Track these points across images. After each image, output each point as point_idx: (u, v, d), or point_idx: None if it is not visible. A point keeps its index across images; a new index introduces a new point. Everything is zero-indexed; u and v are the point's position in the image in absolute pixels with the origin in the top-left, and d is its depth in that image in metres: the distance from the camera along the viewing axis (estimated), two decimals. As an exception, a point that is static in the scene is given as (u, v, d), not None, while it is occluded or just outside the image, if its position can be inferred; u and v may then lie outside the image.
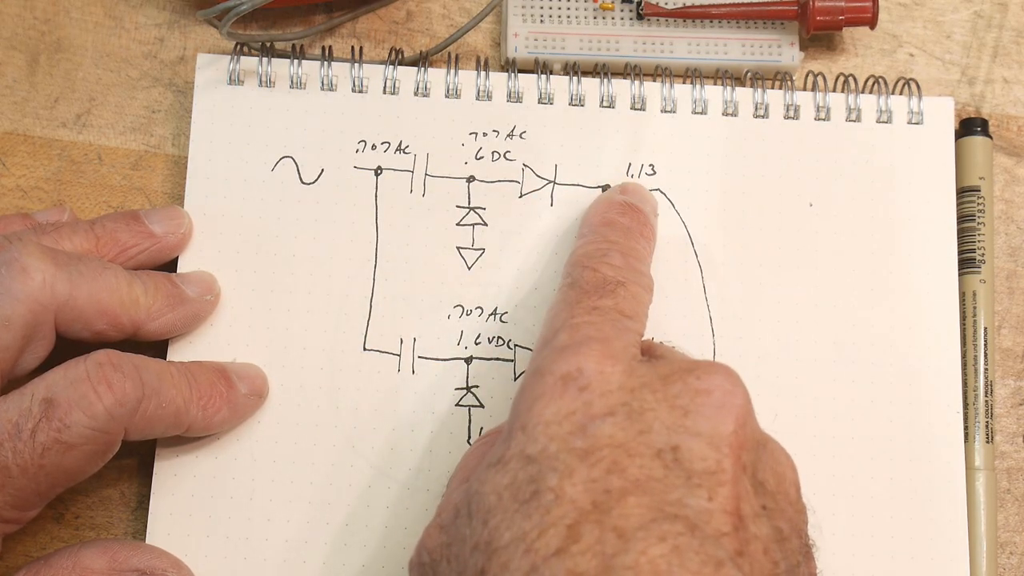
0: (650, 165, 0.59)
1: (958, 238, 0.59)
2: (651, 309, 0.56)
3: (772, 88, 0.60)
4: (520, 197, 0.59)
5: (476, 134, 0.59)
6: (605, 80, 0.60)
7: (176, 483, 0.54)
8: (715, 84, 0.61)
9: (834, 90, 0.61)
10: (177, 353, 0.55)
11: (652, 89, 0.60)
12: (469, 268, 0.58)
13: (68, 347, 0.51)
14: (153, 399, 0.50)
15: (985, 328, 0.58)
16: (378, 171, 0.58)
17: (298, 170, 0.58)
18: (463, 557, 0.43)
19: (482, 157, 0.59)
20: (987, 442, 0.57)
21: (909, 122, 0.60)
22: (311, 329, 0.56)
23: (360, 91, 0.59)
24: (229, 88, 0.59)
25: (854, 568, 0.56)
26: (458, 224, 0.58)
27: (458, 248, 0.58)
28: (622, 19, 0.61)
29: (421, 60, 0.59)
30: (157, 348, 0.55)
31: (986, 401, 0.58)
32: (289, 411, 0.56)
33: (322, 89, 0.59)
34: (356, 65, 0.59)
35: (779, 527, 0.43)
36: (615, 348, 0.45)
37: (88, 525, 0.56)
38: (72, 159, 0.60)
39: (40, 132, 0.60)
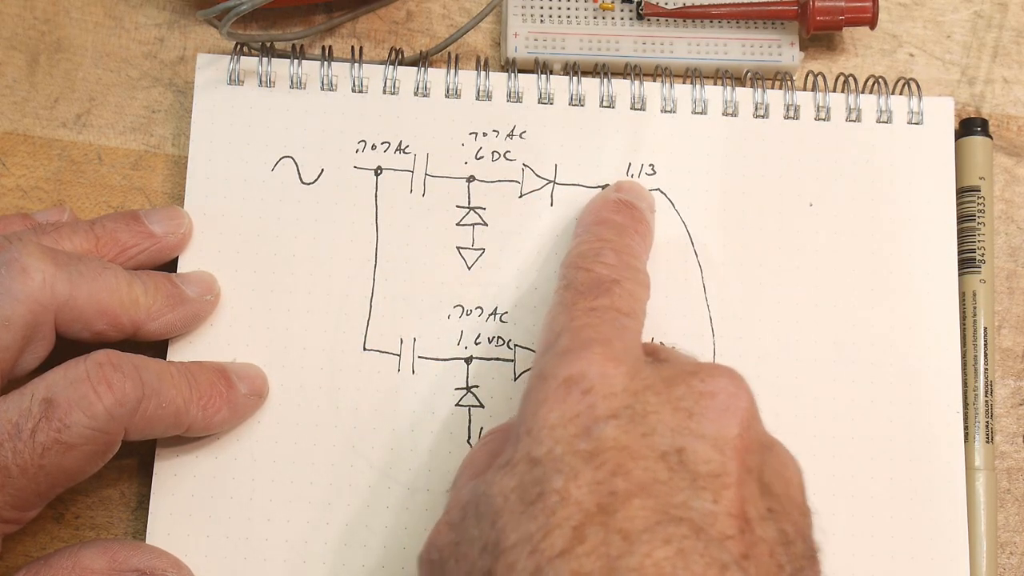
0: (650, 165, 0.59)
1: (958, 238, 0.59)
2: (651, 309, 0.56)
3: (772, 88, 0.60)
4: (520, 197, 0.59)
5: (476, 134, 0.59)
6: (605, 80, 0.60)
7: (176, 483, 0.54)
8: (715, 84, 0.61)
9: (834, 90, 0.61)
10: (177, 353, 0.55)
11: (652, 89, 0.60)
12: (469, 268, 0.58)
13: (68, 347, 0.51)
14: (153, 399, 0.50)
15: (985, 328, 0.58)
16: (378, 171, 0.58)
17: (298, 170, 0.58)
18: (471, 557, 0.43)
19: (482, 157, 0.59)
20: (987, 442, 0.57)
21: (909, 122, 0.60)
22: (311, 329, 0.56)
23: (360, 91, 0.59)
24: (229, 88, 0.59)
25: (854, 568, 0.56)
26: (458, 224, 0.58)
27: (458, 248, 0.58)
28: (622, 19, 0.61)
29: (421, 60, 0.59)
30: (157, 348, 0.55)
31: (986, 401, 0.58)
32: (289, 411, 0.56)
33: (322, 89, 0.59)
34: (356, 65, 0.59)
35: (784, 530, 0.43)
36: (617, 349, 0.45)
37: (88, 525, 0.56)
38: (72, 159, 0.60)
39: (40, 132, 0.60)
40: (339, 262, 0.57)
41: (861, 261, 0.58)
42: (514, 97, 0.59)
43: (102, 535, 0.56)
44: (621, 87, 0.60)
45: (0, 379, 0.49)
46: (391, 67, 0.59)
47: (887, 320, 0.58)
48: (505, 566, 0.41)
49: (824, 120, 0.60)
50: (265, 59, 0.59)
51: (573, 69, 0.60)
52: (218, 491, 0.55)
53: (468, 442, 0.56)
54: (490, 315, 0.57)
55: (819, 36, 0.63)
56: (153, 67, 0.61)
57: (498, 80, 0.60)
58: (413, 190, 0.58)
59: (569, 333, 0.47)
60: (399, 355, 0.56)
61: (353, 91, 0.59)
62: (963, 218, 0.59)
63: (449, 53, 0.60)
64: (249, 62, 0.59)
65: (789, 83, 0.60)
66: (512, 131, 0.59)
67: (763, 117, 0.60)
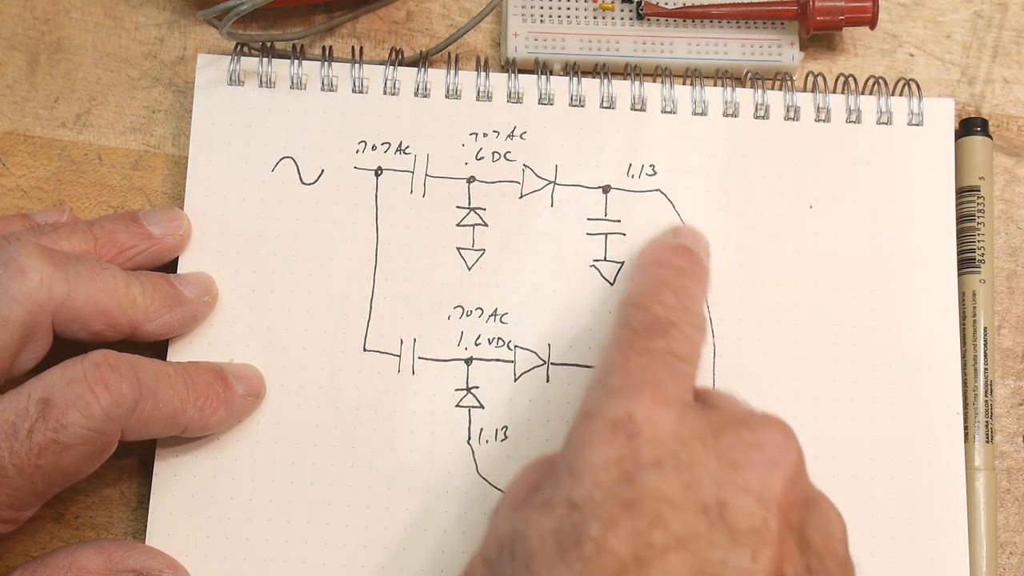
0: (650, 165, 0.59)
1: (958, 238, 0.59)
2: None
3: (772, 89, 0.60)
4: (520, 198, 0.59)
5: (476, 134, 0.59)
6: (605, 80, 0.60)
7: (176, 483, 0.55)
8: (715, 85, 0.61)
9: (834, 91, 0.61)
10: (177, 353, 0.55)
11: (652, 90, 0.60)
12: (469, 269, 0.57)
13: (66, 347, 0.51)
14: (150, 400, 0.50)
15: (985, 328, 0.58)
16: (378, 171, 0.58)
17: (298, 170, 0.58)
18: None
19: (482, 157, 0.59)
20: (987, 442, 0.57)
21: (909, 123, 0.60)
22: (311, 329, 0.56)
23: (360, 91, 0.59)
24: (229, 88, 0.59)
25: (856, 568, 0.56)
26: (458, 225, 0.58)
27: (458, 248, 0.58)
28: (622, 19, 0.61)
29: (421, 60, 0.59)
30: (157, 349, 0.55)
31: (986, 401, 0.58)
32: (289, 412, 0.56)
33: (322, 89, 0.59)
34: (356, 65, 0.59)
35: None
36: (667, 393, 0.44)
37: (88, 525, 0.56)
38: (72, 159, 0.60)
39: (40, 132, 0.60)
40: (339, 262, 0.57)
41: (861, 262, 0.58)
42: (514, 98, 0.59)
43: (102, 535, 0.56)
44: (621, 88, 0.60)
45: (-3, 379, 0.49)
46: (391, 67, 0.59)
47: (887, 320, 0.58)
48: None
49: (824, 121, 0.60)
50: (265, 59, 0.59)
51: (573, 69, 0.60)
52: (218, 491, 0.55)
53: (468, 443, 0.56)
54: (490, 316, 0.57)
55: (819, 36, 0.63)
56: (153, 67, 0.61)
57: (498, 81, 0.60)
58: (413, 191, 0.58)
59: (620, 372, 0.46)
60: (399, 356, 0.56)
61: (353, 91, 0.59)
62: (963, 218, 0.59)
63: (449, 53, 0.60)
64: (249, 62, 0.59)
65: (789, 83, 0.60)
66: (512, 132, 0.59)
67: (763, 118, 0.60)
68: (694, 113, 0.60)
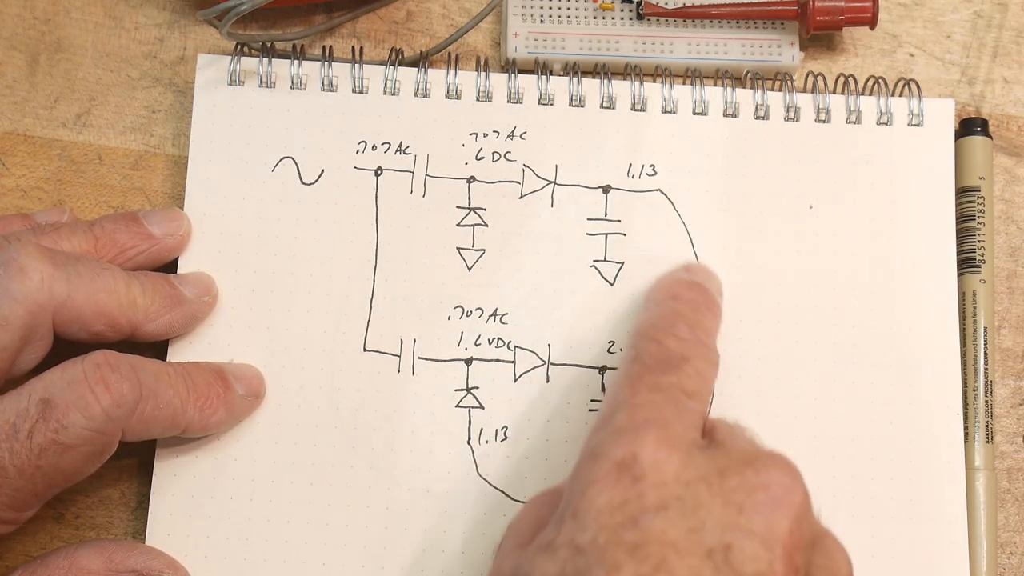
0: (651, 166, 0.59)
1: (958, 238, 0.59)
2: (650, 310, 0.56)
3: (772, 88, 0.60)
4: (520, 198, 0.59)
5: (476, 135, 0.59)
6: (605, 81, 0.60)
7: (176, 483, 0.55)
8: (715, 85, 0.61)
9: (834, 91, 0.61)
10: (177, 354, 0.55)
11: (652, 90, 0.60)
12: (469, 269, 0.57)
13: (66, 348, 0.51)
14: (150, 400, 0.50)
15: (985, 328, 0.58)
16: (378, 172, 0.58)
17: (298, 170, 0.58)
18: None
19: (482, 158, 0.59)
20: (987, 442, 0.57)
21: (909, 124, 0.60)
22: (311, 330, 0.56)
23: (360, 91, 0.59)
24: (229, 88, 0.59)
25: (855, 568, 0.55)
26: (458, 225, 0.58)
27: (458, 249, 0.58)
28: (622, 19, 0.61)
29: (421, 60, 0.59)
30: (157, 349, 0.55)
31: (986, 401, 0.58)
32: (289, 412, 0.56)
33: (322, 90, 0.59)
34: (356, 65, 0.59)
35: None
36: (673, 433, 0.44)
37: (88, 525, 0.56)
38: (72, 159, 0.60)
39: (40, 132, 0.60)
40: (339, 263, 0.57)
41: (861, 262, 0.58)
42: (514, 98, 0.59)
43: (102, 535, 0.56)
44: (621, 88, 0.60)
45: (-2, 379, 0.49)
46: (391, 67, 0.59)
47: (887, 321, 0.58)
48: None
49: (824, 122, 0.60)
50: (265, 59, 0.59)
51: (573, 69, 0.60)
52: (218, 491, 0.55)
53: (468, 443, 0.56)
54: (490, 316, 0.57)
55: (819, 36, 0.63)
56: (153, 67, 0.61)
57: (498, 81, 0.60)
58: (413, 191, 0.58)
59: (628, 410, 0.45)
60: (399, 356, 0.56)
61: (353, 91, 0.59)
62: (963, 218, 0.59)
63: (449, 53, 0.60)
64: (249, 62, 0.59)
65: (789, 83, 0.60)
66: (512, 132, 0.59)
67: (763, 118, 0.60)
68: (694, 113, 0.60)
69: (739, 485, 0.43)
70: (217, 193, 0.58)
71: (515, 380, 0.57)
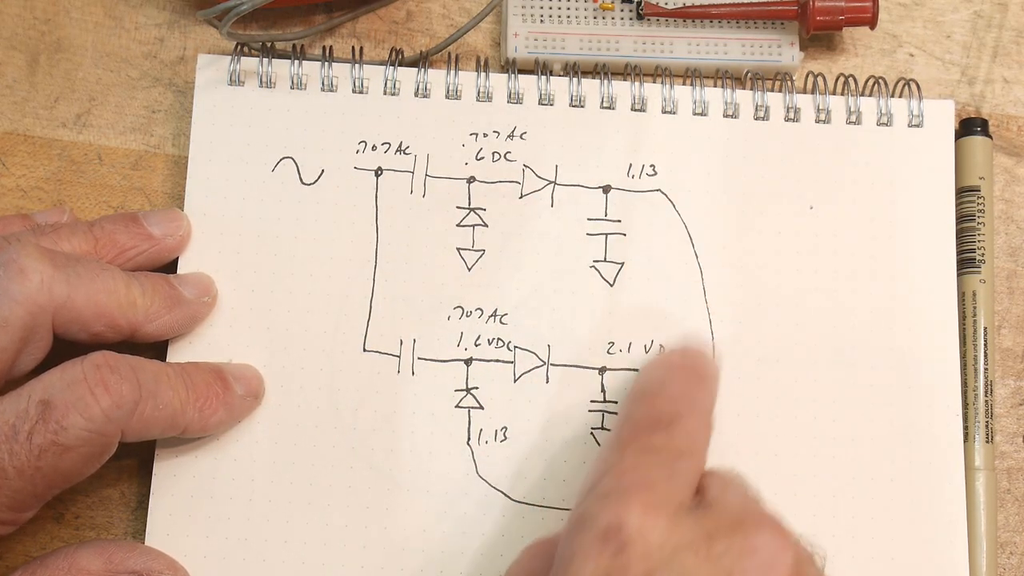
0: (651, 166, 0.59)
1: (958, 238, 0.59)
2: (650, 311, 0.57)
3: (772, 88, 0.60)
4: (520, 198, 0.59)
5: (476, 135, 0.59)
6: (605, 81, 0.60)
7: (175, 484, 0.55)
8: (715, 85, 0.61)
9: (834, 91, 0.61)
10: (177, 354, 0.55)
11: (652, 90, 0.60)
12: (469, 269, 0.57)
13: (65, 348, 0.51)
14: (150, 401, 0.50)
15: (985, 328, 0.58)
16: (378, 172, 0.58)
17: (298, 171, 0.58)
18: None
19: (482, 158, 0.59)
20: (987, 442, 0.57)
21: (909, 124, 0.60)
22: (311, 330, 0.56)
23: (360, 92, 0.59)
24: (229, 88, 0.59)
25: (855, 569, 0.56)
26: (458, 225, 0.58)
27: (458, 249, 0.58)
28: (622, 19, 0.61)
29: (421, 60, 0.59)
30: (156, 349, 0.55)
31: (986, 401, 0.58)
32: (289, 412, 0.56)
33: (322, 90, 0.59)
34: (356, 66, 0.59)
35: None
36: (660, 496, 0.43)
37: (88, 525, 0.56)
38: (72, 159, 0.60)
39: (40, 132, 0.60)
40: (339, 263, 0.57)
41: (861, 263, 0.58)
42: (514, 98, 0.59)
43: (102, 535, 0.56)
44: (621, 88, 0.60)
45: (-3, 380, 0.49)
46: (391, 68, 0.59)
47: (887, 322, 0.58)
48: None
49: (824, 122, 0.60)
50: (265, 59, 0.59)
51: (573, 69, 0.60)
52: (217, 492, 0.55)
53: (468, 443, 0.56)
54: (490, 316, 0.57)
55: (819, 36, 0.63)
56: (153, 67, 0.61)
57: (498, 81, 0.60)
58: (413, 191, 0.58)
59: (615, 473, 0.44)
60: (399, 356, 0.56)
61: (353, 92, 0.59)
62: (963, 218, 0.59)
63: (449, 53, 0.60)
64: (249, 62, 0.59)
65: (789, 83, 0.60)
66: (512, 132, 0.59)
67: (763, 119, 0.60)
68: (694, 113, 0.60)
69: (727, 550, 0.42)
70: (217, 193, 0.58)
71: (515, 381, 0.57)
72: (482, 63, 0.60)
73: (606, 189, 0.59)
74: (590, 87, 0.60)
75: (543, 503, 0.55)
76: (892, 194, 0.59)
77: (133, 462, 0.56)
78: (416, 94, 0.59)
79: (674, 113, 0.60)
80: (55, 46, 0.61)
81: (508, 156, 0.59)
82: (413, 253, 0.57)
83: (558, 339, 0.57)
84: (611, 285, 0.58)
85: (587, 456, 0.56)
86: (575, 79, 0.60)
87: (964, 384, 0.58)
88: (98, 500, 0.56)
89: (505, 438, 0.56)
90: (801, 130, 0.60)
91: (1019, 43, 0.64)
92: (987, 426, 0.58)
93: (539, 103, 0.59)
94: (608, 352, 0.57)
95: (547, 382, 0.57)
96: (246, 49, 0.59)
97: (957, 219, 0.59)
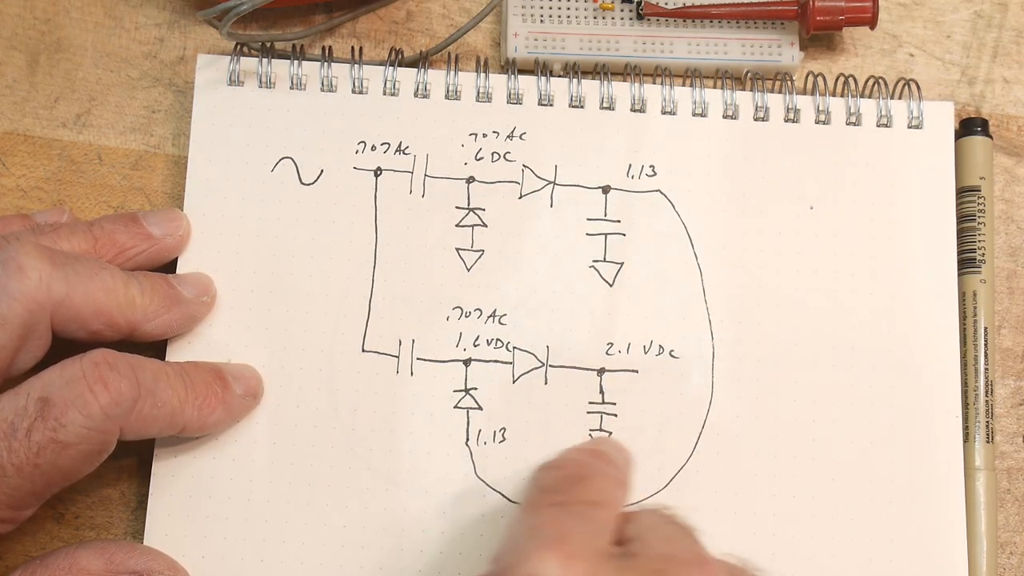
0: (650, 166, 0.59)
1: (958, 238, 0.59)
2: (650, 310, 0.57)
3: (772, 88, 0.60)
4: (520, 198, 0.58)
5: (476, 135, 0.59)
6: (605, 81, 0.60)
7: (174, 484, 0.55)
8: (715, 86, 0.61)
9: (834, 91, 0.61)
10: (176, 353, 0.55)
11: (652, 91, 0.60)
12: (468, 269, 0.57)
13: (64, 347, 0.51)
14: (149, 399, 0.50)
15: (985, 328, 0.58)
16: (377, 172, 0.58)
17: (298, 171, 0.58)
18: None
19: (482, 158, 0.59)
20: (987, 442, 0.57)
21: (909, 126, 0.60)
22: (310, 330, 0.56)
23: (360, 92, 0.59)
24: (229, 89, 0.59)
25: (854, 569, 0.56)
26: (457, 225, 0.58)
27: (457, 249, 0.58)
28: (622, 19, 0.61)
29: (421, 60, 0.59)
30: (155, 349, 0.55)
31: (986, 401, 0.58)
32: (287, 412, 0.56)
33: (322, 90, 0.59)
34: (356, 66, 0.59)
35: None
36: (577, 546, 0.42)
37: (88, 525, 0.56)
38: (72, 159, 0.60)
39: (40, 132, 0.60)
40: (338, 263, 0.57)
41: (861, 264, 0.58)
42: (514, 98, 0.59)
43: (102, 535, 0.56)
44: (621, 89, 0.60)
45: (-4, 378, 0.50)
46: (391, 68, 0.59)
47: (887, 322, 0.58)
48: None
49: (824, 123, 0.60)
50: (265, 60, 0.59)
51: (573, 70, 0.60)
52: (216, 492, 0.55)
53: (466, 444, 0.56)
54: (489, 317, 0.57)
55: (819, 36, 0.63)
56: (153, 67, 0.61)
57: (498, 81, 0.60)
58: (412, 191, 0.58)
59: (528, 532, 0.43)
60: (398, 356, 0.56)
61: (353, 92, 0.59)
62: (963, 218, 0.59)
63: (449, 53, 0.60)
64: (249, 63, 0.59)
65: (789, 84, 0.60)
66: (512, 132, 0.59)
67: (763, 120, 0.60)
68: (694, 114, 0.60)
69: None
70: (217, 193, 0.58)
71: (513, 381, 0.56)
72: (482, 63, 0.60)
73: (605, 189, 0.59)
74: (590, 87, 0.60)
75: (542, 503, 0.55)
76: (892, 195, 0.59)
77: (133, 462, 0.56)
78: (416, 94, 0.59)
79: (674, 114, 0.60)
80: (55, 46, 0.61)
81: (507, 156, 0.59)
82: (412, 253, 0.57)
83: (557, 340, 0.57)
84: (610, 285, 0.58)
85: (586, 456, 0.56)
86: (575, 79, 0.60)
87: (964, 384, 0.58)
88: (98, 500, 0.56)
89: (504, 439, 0.56)
90: (801, 131, 0.60)
91: (1019, 43, 0.64)
92: (987, 426, 0.57)
93: (539, 103, 0.59)
94: (607, 353, 0.57)
95: (546, 383, 0.57)
96: (246, 49, 0.59)
97: (957, 219, 0.59)
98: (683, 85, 0.60)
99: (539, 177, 0.59)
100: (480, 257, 0.58)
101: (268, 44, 0.60)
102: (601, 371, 0.57)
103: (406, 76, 0.59)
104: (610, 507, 0.45)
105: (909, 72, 0.63)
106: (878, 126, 0.60)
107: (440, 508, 0.55)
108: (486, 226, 0.58)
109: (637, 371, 0.57)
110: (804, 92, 0.61)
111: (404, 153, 0.59)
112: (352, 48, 0.60)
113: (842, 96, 0.60)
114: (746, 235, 0.59)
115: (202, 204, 0.57)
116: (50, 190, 0.59)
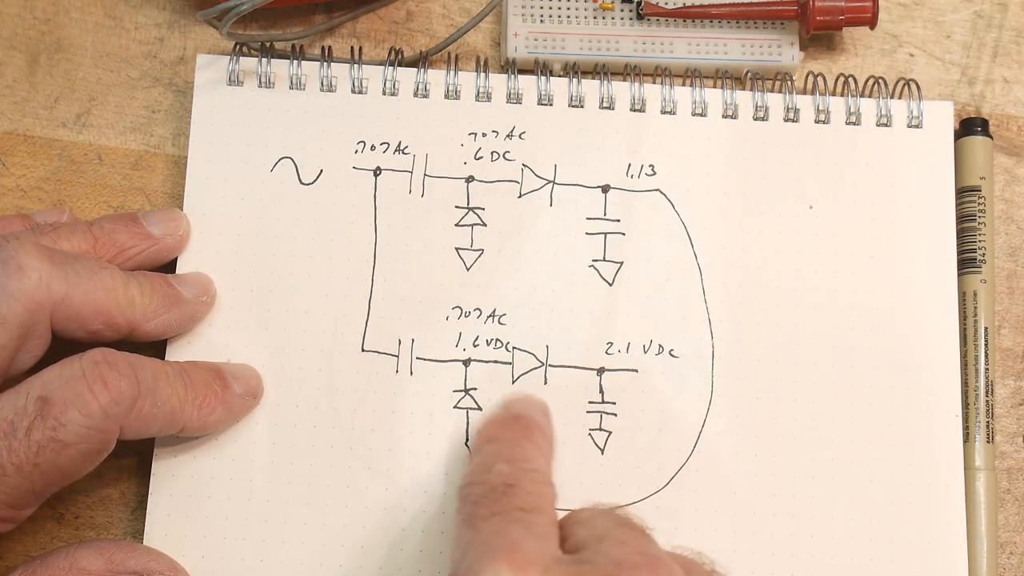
0: (650, 166, 0.59)
1: (958, 238, 0.59)
2: (649, 309, 0.56)
3: (772, 88, 0.60)
4: (519, 197, 0.58)
5: (475, 134, 0.59)
6: (605, 81, 0.60)
7: (174, 483, 0.55)
8: (715, 86, 0.61)
9: (834, 91, 0.61)
10: (175, 353, 0.55)
11: (652, 91, 0.60)
12: (468, 269, 0.57)
13: (64, 347, 0.51)
14: (148, 398, 0.50)
15: (985, 328, 0.58)
16: (377, 172, 0.58)
17: (297, 171, 0.58)
18: None
19: (481, 157, 0.59)
20: (987, 442, 0.57)
21: (909, 125, 0.60)
22: (309, 330, 0.56)
23: (359, 92, 0.59)
24: (229, 88, 0.59)
25: (854, 569, 0.55)
26: (457, 225, 0.58)
27: (457, 249, 0.58)
28: (622, 19, 0.61)
29: (421, 60, 0.59)
30: (155, 348, 0.55)
31: (986, 401, 0.58)
32: (287, 412, 0.56)
33: (321, 90, 0.59)
34: (355, 66, 0.59)
35: None
36: (527, 553, 0.42)
37: (88, 525, 0.56)
38: (72, 159, 0.60)
39: (40, 132, 0.60)
40: (338, 263, 0.57)
41: (861, 264, 0.58)
42: (514, 98, 0.59)
43: (102, 535, 0.56)
44: (621, 88, 0.60)
45: (-4, 377, 0.50)
46: (391, 68, 0.59)
47: (887, 322, 0.58)
48: None
49: (824, 123, 0.60)
50: (265, 59, 0.59)
51: (573, 70, 0.60)
52: (216, 492, 0.55)
53: (466, 444, 0.56)
54: (488, 317, 0.57)
55: (819, 36, 0.63)
56: (153, 67, 0.61)
57: (498, 81, 0.60)
58: (412, 190, 0.58)
59: (475, 547, 0.43)
60: (397, 356, 0.56)
61: (352, 92, 0.59)
62: (963, 218, 0.59)
63: (449, 53, 0.60)
64: (249, 62, 0.59)
65: (789, 83, 0.60)
66: (512, 132, 0.59)
67: (763, 120, 0.60)
68: (694, 114, 0.60)
69: None
70: (216, 193, 0.58)
71: (513, 381, 0.56)
72: (482, 63, 0.60)
73: (605, 189, 0.59)
74: (590, 87, 0.60)
75: (541, 503, 0.55)
76: (892, 194, 0.59)
77: (133, 462, 0.56)
78: (415, 94, 0.59)
79: (673, 114, 0.60)
80: (55, 46, 0.61)
81: (507, 156, 0.59)
82: (412, 253, 0.57)
83: (556, 340, 0.57)
84: (610, 285, 0.58)
85: (584, 457, 0.56)
86: (575, 79, 0.60)
87: (964, 384, 0.58)
88: (98, 500, 0.56)
89: (504, 438, 0.56)
90: (801, 130, 0.60)
91: (1019, 43, 0.64)
92: (987, 426, 0.57)
93: (538, 103, 0.59)
94: (607, 353, 0.57)
95: (545, 383, 0.57)
96: (245, 49, 0.59)
97: (957, 219, 0.59)
98: (683, 85, 0.61)
99: (539, 176, 0.59)
100: (480, 256, 0.58)
101: (268, 44, 0.60)
102: (601, 371, 0.57)
103: (406, 76, 0.59)
104: (545, 511, 0.45)
105: (909, 72, 0.63)
106: (878, 126, 0.60)
107: (440, 508, 0.55)
108: (486, 225, 0.58)
109: (637, 371, 0.57)
110: (804, 92, 0.61)
111: (403, 153, 0.59)
112: (352, 48, 0.60)
113: (842, 96, 0.60)
114: (746, 235, 0.58)
115: (202, 204, 0.57)
116: (50, 190, 0.59)
